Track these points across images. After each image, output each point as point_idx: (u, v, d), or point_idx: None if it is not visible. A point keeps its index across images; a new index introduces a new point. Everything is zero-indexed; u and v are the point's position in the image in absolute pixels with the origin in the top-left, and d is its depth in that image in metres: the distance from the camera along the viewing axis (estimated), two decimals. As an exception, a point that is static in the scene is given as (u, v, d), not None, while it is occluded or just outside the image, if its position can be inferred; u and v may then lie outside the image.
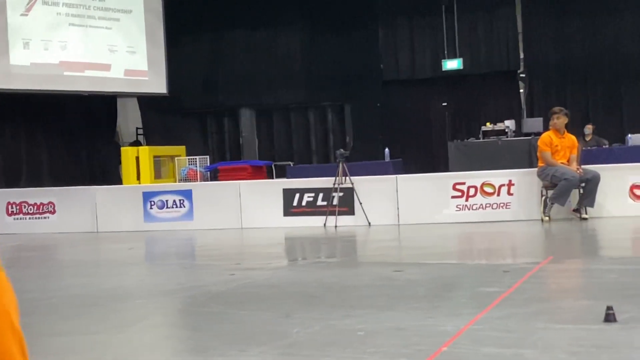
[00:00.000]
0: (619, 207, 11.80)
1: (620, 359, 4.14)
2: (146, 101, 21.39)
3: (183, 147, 19.53)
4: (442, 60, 20.41)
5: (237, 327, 5.36)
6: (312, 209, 13.09)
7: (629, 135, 16.62)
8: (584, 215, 11.70)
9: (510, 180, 12.35)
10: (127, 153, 18.16)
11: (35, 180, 18.09)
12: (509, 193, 12.31)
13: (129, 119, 22.51)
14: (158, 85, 19.85)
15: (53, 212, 14.54)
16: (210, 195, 13.84)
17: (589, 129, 17.69)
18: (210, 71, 22.36)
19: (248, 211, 13.40)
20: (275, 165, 18.72)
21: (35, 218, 14.62)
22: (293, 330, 5.10)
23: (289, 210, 13.26)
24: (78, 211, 14.27)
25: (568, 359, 4.19)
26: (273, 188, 13.57)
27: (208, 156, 18.69)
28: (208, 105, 22.46)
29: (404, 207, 12.66)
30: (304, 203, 13.18)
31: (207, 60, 22.35)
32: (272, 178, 17.82)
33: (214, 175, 17.86)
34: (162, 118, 22.07)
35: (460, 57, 20.31)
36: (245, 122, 22.42)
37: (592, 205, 11.68)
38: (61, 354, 4.87)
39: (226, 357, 4.52)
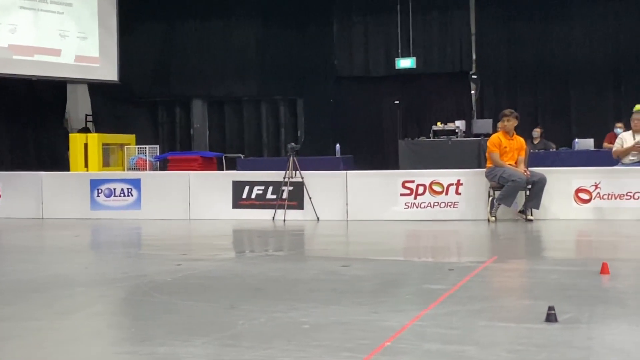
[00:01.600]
0: (564, 210, 11.96)
1: (558, 358, 4.20)
2: (96, 88, 21.19)
3: (133, 136, 19.39)
4: (396, 58, 20.51)
5: (181, 317, 5.33)
6: (261, 202, 13.07)
7: (576, 139, 16.87)
8: (529, 217, 11.84)
9: (458, 180, 12.45)
10: (76, 140, 17.99)
11: (-20, 164, 17.82)
12: (457, 192, 12.41)
13: (79, 106, 22.27)
14: (109, 72, 19.68)
15: (-2, 197, 14.33)
16: (159, 185, 13.74)
17: (537, 132, 17.93)
18: (162, 60, 22.21)
19: (197, 202, 13.33)
20: (225, 157, 18.69)
21: (-21, 202, 14.38)
22: (237, 322, 5.10)
23: (238, 202, 13.22)
24: (23, 196, 14.07)
25: (508, 357, 4.24)
26: (223, 180, 13.52)
27: (158, 146, 18.59)
28: (159, 95, 22.32)
29: (353, 203, 12.70)
30: (253, 196, 13.15)
31: (160, 49, 22.20)
32: (222, 170, 17.78)
33: (163, 165, 17.76)
34: (113, 106, 21.87)
35: (413, 56, 20.43)
36: (197, 113, 22.32)
37: (537, 208, 11.83)
38: (1, 339, 4.80)
39: (169, 347, 4.50)
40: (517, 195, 11.90)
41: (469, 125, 18.50)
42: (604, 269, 6.81)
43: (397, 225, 11.80)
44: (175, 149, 21.57)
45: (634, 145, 12.11)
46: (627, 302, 5.70)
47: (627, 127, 12.69)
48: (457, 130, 17.02)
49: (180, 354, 4.37)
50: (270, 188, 13.05)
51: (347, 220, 12.61)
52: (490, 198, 12.08)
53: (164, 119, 22.80)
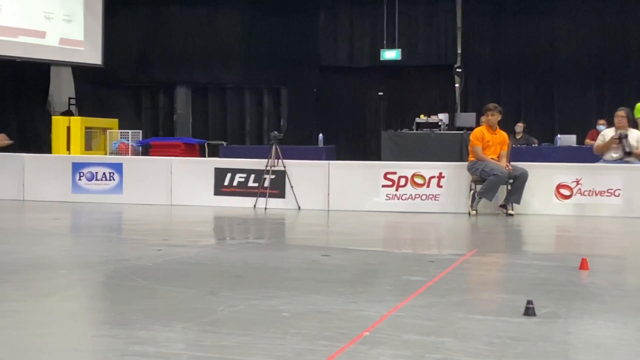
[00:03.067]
0: (545, 205, 12.03)
1: (535, 352, 4.23)
2: (80, 71, 21.09)
3: (116, 120, 19.32)
4: (381, 50, 20.51)
5: (160, 302, 5.33)
6: (243, 190, 13.06)
7: (558, 135, 16.95)
8: (510, 211, 11.90)
9: (440, 173, 12.49)
10: (58, 122, 17.91)
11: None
12: (438, 185, 12.45)
13: (62, 89, 22.15)
14: (93, 56, 19.59)
15: (-22, 178, 14.24)
16: (140, 170, 13.70)
17: (520, 127, 17.98)
18: (147, 45, 22.13)
19: (178, 188, 13.31)
20: (208, 143, 18.65)
21: (-41, 183, 14.29)
22: (217, 308, 5.10)
23: (220, 189, 13.21)
24: (4, 178, 14.00)
25: (485, 349, 4.26)
26: (205, 167, 13.49)
27: (140, 131, 18.52)
28: (143, 80, 22.24)
29: (334, 193, 12.71)
30: (235, 183, 13.14)
31: (145, 34, 22.11)
32: (205, 156, 17.75)
33: (145, 150, 17.71)
34: (96, 89, 21.77)
35: (399, 48, 20.43)
36: (180, 99, 22.26)
37: (518, 202, 11.88)
38: (-22, 321, 4.78)
39: (148, 332, 4.50)
40: (498, 189, 11.94)
41: (452, 119, 18.54)
42: (583, 265, 6.85)
43: (378, 216, 11.82)
44: (158, 134, 21.51)
45: (612, 138, 12.19)
46: (605, 298, 5.74)
47: (610, 124, 12.75)
48: (440, 123, 17.04)
49: (159, 338, 4.36)
50: (252, 176, 13.04)
51: (328, 210, 12.62)
52: (472, 191, 12.13)
53: (147, 104, 22.73)
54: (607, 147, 12.21)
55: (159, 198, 13.28)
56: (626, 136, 12.09)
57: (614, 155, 12.23)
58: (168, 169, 13.44)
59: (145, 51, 22.05)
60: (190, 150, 17.96)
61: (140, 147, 17.86)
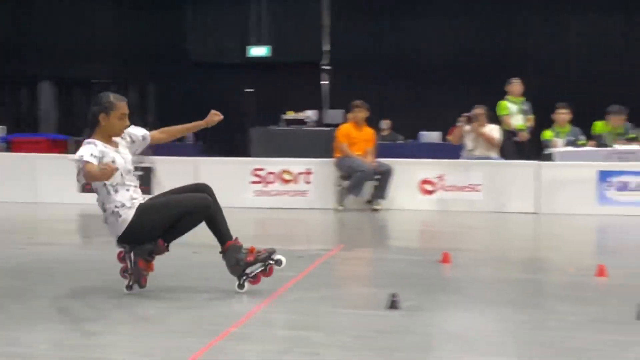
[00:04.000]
0: (410, 201, 12.29)
1: (398, 343, 4.36)
2: (-63, 63, 20.26)
3: (-25, 116, 18.65)
4: (247, 46, 20.54)
5: (23, 302, 5.22)
6: (109, 187, 12.83)
7: (422, 132, 17.36)
8: (376, 207, 12.12)
9: (308, 169, 12.61)
10: None
11: None
12: (306, 181, 12.57)
13: None
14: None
15: None
16: (2, 166, 13.28)
17: (385, 124, 18.31)
18: (10, 37, 21.44)
19: (43, 185, 12.97)
20: (74, 139, 18.22)
21: None
22: (82, 308, 5.04)
23: (85, 186, 12.93)
24: None
25: (350, 342, 4.37)
26: (70, 163, 13.16)
27: (5, 127, 17.97)
28: (5, 74, 21.53)
29: (203, 189, 12.63)
30: (101, 180, 12.88)
31: (8, 26, 21.42)
32: (71, 153, 17.34)
33: (7, 146, 17.19)
34: (-46, 82, 20.98)
35: (267, 44, 20.49)
36: (45, 94, 21.68)
37: (384, 198, 12.13)
38: None
39: (11, 332, 4.42)
40: (364, 185, 12.15)
41: (320, 115, 18.70)
42: (445, 259, 7.08)
43: (247, 213, 11.82)
44: (21, 130, 20.87)
45: (460, 127, 12.68)
46: (465, 290, 5.95)
47: (471, 122, 13.10)
48: (307, 120, 17.18)
49: (22, 339, 4.29)
50: (119, 173, 12.82)
51: (197, 207, 12.54)
52: (339, 187, 12.30)
53: (9, 99, 22.03)
54: (459, 131, 12.69)
55: (23, 195, 12.87)
56: (473, 117, 12.52)
57: (470, 145, 12.61)
58: (32, 165, 13.09)
59: (8, 43, 21.37)
60: (55, 147, 17.53)
61: (5, 144, 17.32)
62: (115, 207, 5.37)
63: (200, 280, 6.13)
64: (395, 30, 20.60)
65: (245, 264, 5.55)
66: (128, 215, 5.35)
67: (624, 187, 11.84)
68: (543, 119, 13.19)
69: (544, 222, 11.25)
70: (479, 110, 12.65)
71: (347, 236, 10.26)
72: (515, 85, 13.14)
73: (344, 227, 10.95)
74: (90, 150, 5.32)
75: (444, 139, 17.11)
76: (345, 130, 12.42)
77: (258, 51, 20.41)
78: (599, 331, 4.70)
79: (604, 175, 11.84)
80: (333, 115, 17.73)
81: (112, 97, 5.65)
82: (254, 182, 12.63)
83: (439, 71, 20.14)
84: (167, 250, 5.52)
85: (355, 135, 12.31)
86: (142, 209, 5.37)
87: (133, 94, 21.58)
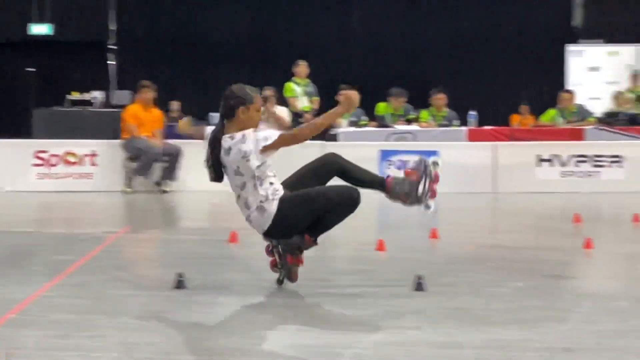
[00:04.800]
0: (199, 183, 12.17)
1: (182, 322, 4.35)
2: None
3: None
4: (29, 24, 19.77)
5: None
6: None
7: (211, 113, 17.37)
8: (165, 188, 12.00)
9: (94, 151, 12.31)
10: None
11: None
12: (92, 163, 12.27)
13: None
14: None
15: None
16: None
17: (175, 105, 18.17)
18: None
19: None
20: None
21: None
22: None
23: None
24: None
25: (135, 323, 4.31)
26: None
27: None
28: None
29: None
30: None
31: None
32: None
33: None
34: None
35: (50, 22, 19.80)
36: None
37: (173, 179, 12.02)
38: None
39: None
40: (153, 166, 11.99)
41: (107, 96, 18.28)
42: (233, 238, 7.11)
43: (30, 197, 11.40)
44: None
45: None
46: (254, 269, 5.96)
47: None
48: (94, 101, 16.74)
49: None
50: None
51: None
52: (127, 169, 12.09)
53: None
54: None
55: None
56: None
57: (261, 126, 12.72)
58: None
59: None
60: None
61: None
62: (261, 201, 4.97)
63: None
64: (184, 10, 20.43)
65: (415, 186, 5.22)
66: (272, 208, 5.00)
67: (403, 165, 12.30)
68: (328, 102, 13.49)
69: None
70: (268, 91, 12.75)
71: (135, 218, 10.13)
72: (302, 67, 13.37)
73: (131, 209, 10.79)
74: (260, 134, 5.13)
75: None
76: (133, 111, 12.21)
77: (40, 29, 19.67)
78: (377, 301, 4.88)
79: (385, 155, 12.26)
80: (120, 96, 17.36)
81: (248, 89, 5.40)
82: (36, 165, 12.18)
83: (229, 52, 20.19)
84: (316, 244, 5.14)
85: (143, 116, 12.14)
86: (284, 202, 5.02)
87: None
